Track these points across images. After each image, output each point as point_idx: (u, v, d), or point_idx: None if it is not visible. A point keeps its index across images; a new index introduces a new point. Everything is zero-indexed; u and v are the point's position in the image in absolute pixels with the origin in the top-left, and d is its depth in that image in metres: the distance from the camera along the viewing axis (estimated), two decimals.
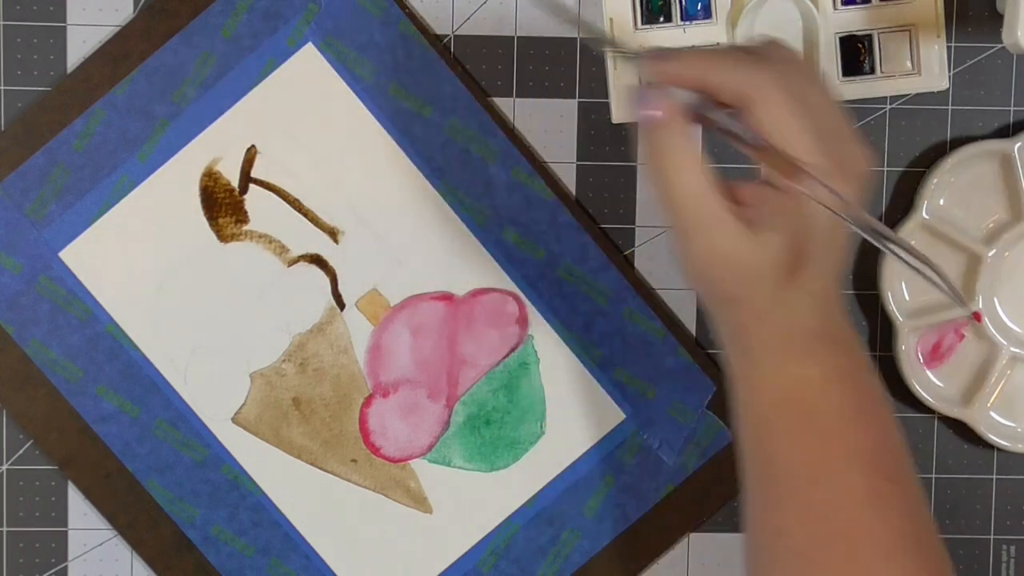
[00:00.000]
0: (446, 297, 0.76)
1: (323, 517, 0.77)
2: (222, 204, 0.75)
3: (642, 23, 0.74)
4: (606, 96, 0.76)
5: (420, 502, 0.77)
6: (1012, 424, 0.78)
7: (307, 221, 0.76)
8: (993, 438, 0.77)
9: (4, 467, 0.76)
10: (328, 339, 0.76)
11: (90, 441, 0.75)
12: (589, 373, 0.77)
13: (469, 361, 0.77)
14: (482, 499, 0.77)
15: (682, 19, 0.74)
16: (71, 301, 0.75)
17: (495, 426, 0.77)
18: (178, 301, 0.75)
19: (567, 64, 0.76)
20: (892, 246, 0.60)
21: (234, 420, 0.76)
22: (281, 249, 0.76)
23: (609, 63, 0.74)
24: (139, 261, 0.75)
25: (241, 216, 0.76)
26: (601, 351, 0.76)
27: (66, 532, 0.76)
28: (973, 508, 0.79)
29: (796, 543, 0.64)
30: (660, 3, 0.74)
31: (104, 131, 0.74)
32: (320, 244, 0.76)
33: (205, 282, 0.76)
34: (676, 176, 0.60)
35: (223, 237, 0.76)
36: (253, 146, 0.75)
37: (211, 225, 0.76)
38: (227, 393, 0.76)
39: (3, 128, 0.75)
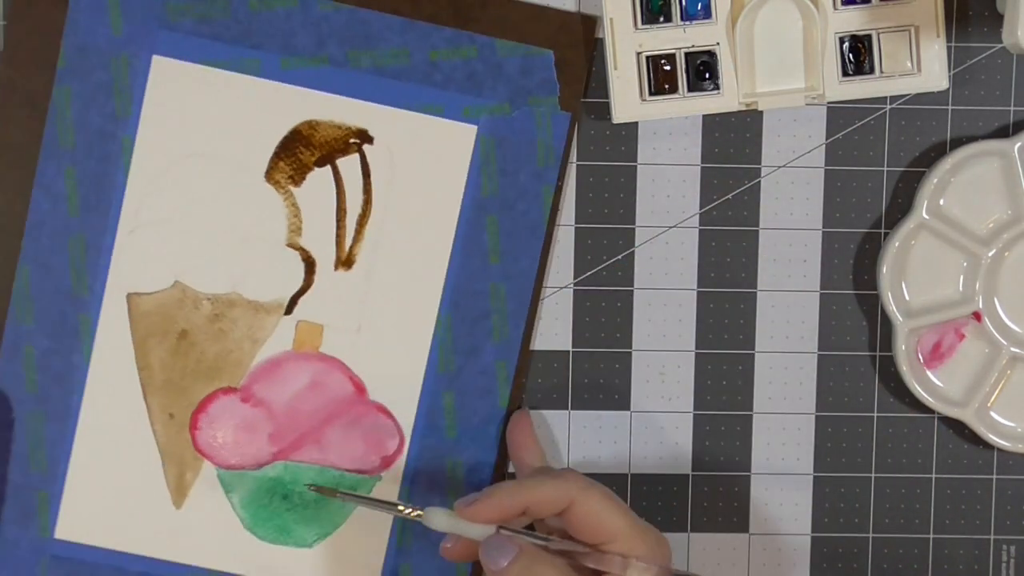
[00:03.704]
0: (360, 387, 0.76)
1: (104, 435, 0.75)
2: (296, 154, 0.75)
3: (642, 23, 0.74)
4: (606, 96, 0.76)
5: (180, 494, 0.76)
6: (1012, 424, 0.78)
7: (334, 232, 0.76)
8: (993, 438, 0.77)
9: None
10: (254, 320, 0.76)
11: None
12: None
13: (322, 444, 0.76)
14: (233, 542, 0.76)
15: (682, 19, 0.74)
16: None
17: (284, 504, 0.76)
18: (189, 183, 0.75)
19: None
20: None
21: (129, 295, 0.75)
22: (296, 228, 0.75)
23: (609, 63, 0.74)
24: (192, 125, 0.75)
25: (298, 177, 0.75)
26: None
27: None
28: (973, 508, 0.79)
29: None
30: (660, 3, 0.74)
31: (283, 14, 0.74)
32: (326, 259, 0.76)
33: (225, 199, 0.75)
34: None
35: (268, 175, 0.75)
36: (373, 139, 0.75)
37: (271, 158, 0.75)
38: (154, 269, 0.75)
39: None
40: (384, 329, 0.76)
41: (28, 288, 0.75)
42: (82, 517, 0.76)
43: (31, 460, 0.75)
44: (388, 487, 0.76)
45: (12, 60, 0.74)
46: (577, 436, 0.78)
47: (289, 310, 0.76)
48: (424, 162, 0.75)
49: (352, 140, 0.75)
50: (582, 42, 0.75)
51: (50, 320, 0.75)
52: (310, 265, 0.76)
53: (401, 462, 0.77)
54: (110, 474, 0.76)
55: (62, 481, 0.75)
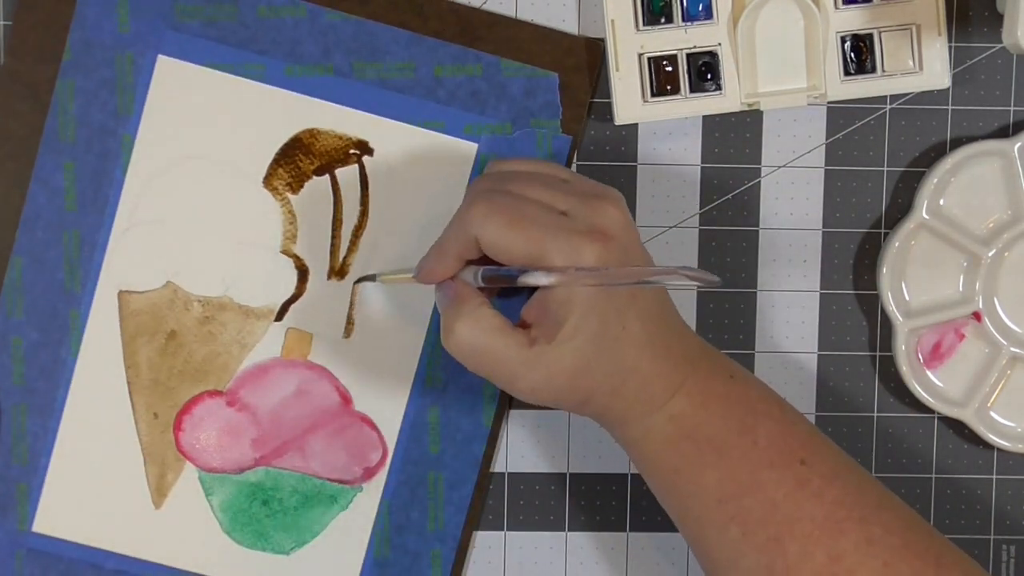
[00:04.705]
0: (346, 398, 0.76)
1: (88, 431, 0.75)
2: (296, 162, 0.75)
3: (644, 24, 0.74)
4: (607, 96, 0.75)
5: (160, 494, 0.76)
6: (1012, 424, 0.78)
7: (329, 241, 0.75)
8: (993, 438, 0.77)
9: None
10: (244, 325, 0.75)
11: None
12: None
13: (305, 452, 0.76)
14: (211, 544, 0.76)
15: (683, 20, 0.74)
16: None
17: (264, 510, 0.76)
18: (189, 184, 0.75)
19: None
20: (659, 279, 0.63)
21: (121, 293, 0.75)
22: (291, 236, 0.75)
23: (611, 65, 0.74)
24: (193, 127, 0.74)
25: (296, 185, 0.75)
26: None
27: None
28: (973, 508, 0.79)
29: (751, 552, 0.67)
30: (661, 4, 0.74)
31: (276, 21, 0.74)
32: (319, 268, 0.76)
33: (222, 202, 0.75)
34: (473, 339, 0.65)
35: (267, 181, 0.75)
36: (373, 151, 0.75)
37: (270, 165, 0.75)
38: (147, 268, 0.75)
39: None
40: (373, 341, 0.76)
41: (20, 280, 0.74)
42: (61, 512, 0.75)
43: (13, 452, 0.75)
44: (369, 499, 0.76)
45: (17, 52, 0.74)
46: (577, 437, 0.78)
47: (279, 317, 0.76)
48: (423, 177, 0.75)
49: (352, 151, 0.75)
50: (586, 66, 0.75)
51: (40, 313, 0.74)
52: (303, 273, 0.75)
53: (383, 474, 0.76)
54: (91, 470, 0.75)
55: (43, 475, 0.75)
